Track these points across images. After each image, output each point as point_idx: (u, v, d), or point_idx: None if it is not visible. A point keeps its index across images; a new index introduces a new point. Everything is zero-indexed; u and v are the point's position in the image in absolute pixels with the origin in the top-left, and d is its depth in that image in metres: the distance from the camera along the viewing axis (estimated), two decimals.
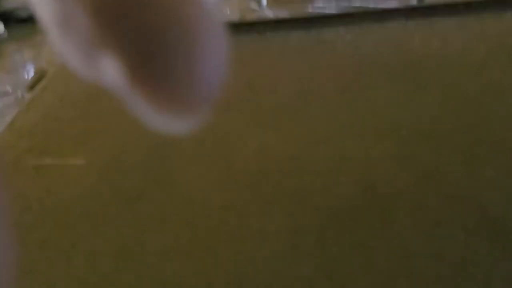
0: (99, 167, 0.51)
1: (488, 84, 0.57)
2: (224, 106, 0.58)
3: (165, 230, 0.45)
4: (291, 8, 2.71)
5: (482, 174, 0.46)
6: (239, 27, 0.71)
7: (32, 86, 0.72)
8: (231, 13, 2.96)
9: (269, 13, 2.64)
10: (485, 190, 0.45)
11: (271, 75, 0.62)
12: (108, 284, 0.42)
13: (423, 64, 0.61)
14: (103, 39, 0.14)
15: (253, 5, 2.75)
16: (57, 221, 0.47)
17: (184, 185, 0.50)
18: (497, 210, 0.42)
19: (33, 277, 0.42)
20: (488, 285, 0.37)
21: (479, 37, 0.65)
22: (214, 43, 0.14)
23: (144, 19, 0.14)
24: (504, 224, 0.41)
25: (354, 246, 0.41)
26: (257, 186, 0.48)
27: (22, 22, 1.35)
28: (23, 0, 1.14)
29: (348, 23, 0.69)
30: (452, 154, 0.48)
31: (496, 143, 0.48)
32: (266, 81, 0.61)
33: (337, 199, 0.46)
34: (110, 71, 0.14)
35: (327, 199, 0.45)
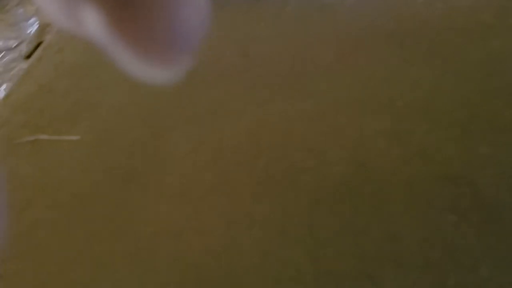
0: (92, 143, 0.51)
1: (491, 53, 0.55)
2: (217, 77, 0.57)
3: (157, 211, 0.45)
4: None
5: (476, 152, 0.45)
6: None
7: (29, 53, 0.70)
8: None
9: None
10: (478, 169, 0.44)
11: (267, 44, 0.60)
12: (101, 265, 0.42)
13: (424, 31, 0.59)
14: None
15: None
16: (50, 201, 0.47)
17: (176, 161, 0.50)
18: (489, 191, 0.42)
19: (26, 257, 0.43)
20: (476, 271, 0.37)
21: (483, 1, 0.62)
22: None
23: None
24: (496, 207, 0.41)
25: (342, 229, 0.41)
26: (248, 165, 0.47)
27: None
28: None
29: None
30: (447, 130, 0.47)
31: (492, 120, 0.47)
32: (261, 50, 0.60)
33: (328, 179, 0.45)
34: (90, 19, 0.14)
35: (318, 178, 0.45)
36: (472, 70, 0.53)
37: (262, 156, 0.48)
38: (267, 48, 0.60)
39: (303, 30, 0.62)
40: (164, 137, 0.52)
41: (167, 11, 0.14)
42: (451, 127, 0.48)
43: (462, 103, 0.49)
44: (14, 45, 2.12)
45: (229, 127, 0.51)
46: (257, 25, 0.63)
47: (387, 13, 0.63)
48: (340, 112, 0.51)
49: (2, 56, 2.02)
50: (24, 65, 0.66)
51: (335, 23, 0.62)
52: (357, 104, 0.51)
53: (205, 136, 0.51)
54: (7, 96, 0.60)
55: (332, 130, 0.49)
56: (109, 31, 0.14)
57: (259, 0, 0.67)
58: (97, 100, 0.57)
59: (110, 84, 0.58)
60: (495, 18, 0.60)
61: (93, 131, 0.53)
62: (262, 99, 0.53)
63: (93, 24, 0.14)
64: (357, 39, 0.59)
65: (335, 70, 0.55)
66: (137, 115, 0.54)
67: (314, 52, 0.58)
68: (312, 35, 0.61)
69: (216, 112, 0.53)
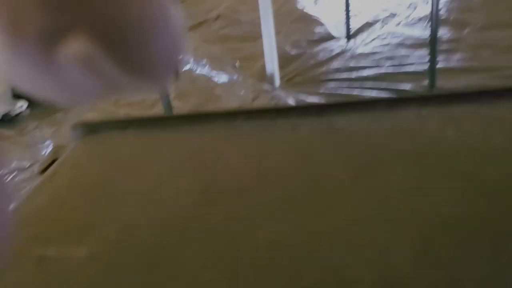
0: (101, 259, 0.49)
1: (509, 173, 0.55)
2: (234, 193, 0.57)
3: None
4: (303, 89, 2.71)
5: (509, 273, 0.43)
6: (251, 114, 0.70)
7: (43, 169, 0.71)
8: (245, 94, 2.97)
9: (282, 94, 2.66)
10: None
11: (281, 160, 0.61)
12: None
13: (438, 152, 0.59)
14: (73, 27, 0.16)
15: (266, 87, 2.79)
16: None
17: (191, 276, 0.47)
18: None
19: None
20: None
21: (494, 125, 0.64)
22: (170, 26, 0.17)
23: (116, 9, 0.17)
24: None
25: None
26: (267, 282, 0.45)
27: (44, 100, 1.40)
28: None
29: (360, 111, 0.69)
30: (474, 249, 0.45)
31: None
32: (275, 166, 0.60)
33: None
34: (77, 51, 0.16)
35: None
36: (491, 189, 0.52)
37: (281, 272, 0.46)
38: (280, 163, 0.60)
39: (316, 149, 0.62)
40: (177, 251, 0.50)
41: (152, 40, 0.17)
42: (479, 246, 0.46)
43: (487, 219, 0.48)
44: (27, 165, 2.16)
45: (245, 242, 0.50)
46: (272, 142, 0.64)
47: (399, 136, 0.64)
48: (359, 227, 0.49)
49: (13, 176, 2.04)
50: (37, 180, 0.67)
51: (348, 143, 0.63)
52: (376, 221, 0.50)
53: (221, 251, 0.49)
54: (18, 210, 0.59)
55: (351, 246, 0.47)
56: (101, 58, 0.16)
57: (273, 123, 0.69)
58: (108, 215, 0.56)
59: (123, 200, 0.58)
60: (507, 141, 0.61)
61: (102, 246, 0.51)
62: (278, 215, 0.52)
63: (80, 55, 0.16)
64: (371, 158, 0.59)
65: (351, 187, 0.55)
66: (149, 231, 0.52)
67: (328, 170, 0.58)
68: (325, 153, 0.62)
69: (232, 225, 0.51)
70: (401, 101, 0.68)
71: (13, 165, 2.16)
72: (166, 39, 0.18)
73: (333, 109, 0.68)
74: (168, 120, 0.73)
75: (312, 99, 2.32)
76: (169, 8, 0.18)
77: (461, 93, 0.66)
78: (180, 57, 0.19)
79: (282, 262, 0.47)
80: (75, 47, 0.16)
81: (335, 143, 0.63)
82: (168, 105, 2.00)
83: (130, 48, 0.17)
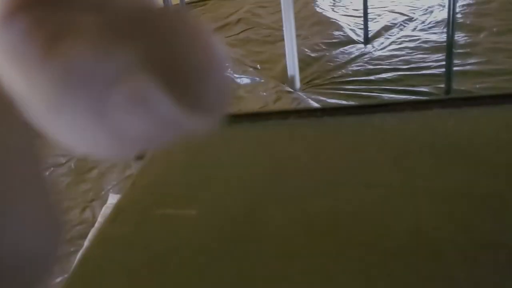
0: (207, 217, 0.65)
1: None
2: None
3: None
4: (323, 91, 2.79)
5: None
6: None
7: (140, 156, 0.86)
8: (267, 95, 3.06)
9: (303, 96, 2.76)
10: None
11: (333, 152, 0.77)
12: None
13: (455, 144, 0.75)
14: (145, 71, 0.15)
15: (287, 88, 2.89)
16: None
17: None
18: None
19: None
20: None
21: (503, 122, 0.79)
22: (221, 65, 0.18)
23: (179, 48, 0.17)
24: None
25: None
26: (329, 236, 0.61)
27: None
28: None
29: (391, 111, 0.85)
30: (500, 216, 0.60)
31: None
32: (328, 155, 0.77)
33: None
34: (135, 88, 0.15)
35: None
36: (503, 171, 0.67)
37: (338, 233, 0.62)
38: (331, 153, 0.76)
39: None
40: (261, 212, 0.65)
41: (208, 81, 0.17)
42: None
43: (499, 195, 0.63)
44: (64, 161, 2.32)
45: (311, 209, 0.65)
46: (322, 136, 0.81)
47: (424, 131, 0.80)
48: (399, 199, 0.65)
49: (51, 171, 2.20)
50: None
51: (384, 138, 0.79)
52: (411, 193, 0.66)
53: (294, 215, 0.65)
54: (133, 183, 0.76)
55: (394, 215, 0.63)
56: (168, 100, 0.16)
57: (321, 120, 0.85)
58: (208, 185, 0.73)
59: (220, 162, 0.75)
60: None
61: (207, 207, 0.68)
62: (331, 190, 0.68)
63: (161, 106, 0.16)
64: (404, 148, 0.75)
65: (386, 170, 0.71)
66: (239, 198, 0.69)
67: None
68: (367, 144, 0.78)
69: (299, 196, 0.68)
70: (425, 103, 0.84)
71: (50, 161, 2.31)
72: (219, 75, 0.18)
73: (370, 109, 0.84)
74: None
75: (333, 101, 2.44)
76: (220, 46, 0.18)
77: (476, 96, 0.82)
78: (230, 94, 0.19)
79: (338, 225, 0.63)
80: (132, 86, 0.15)
81: (374, 137, 0.80)
82: None
83: (189, 84, 0.17)
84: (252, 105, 2.59)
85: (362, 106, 0.84)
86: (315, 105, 2.45)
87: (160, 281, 0.55)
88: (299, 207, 0.63)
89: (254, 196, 0.66)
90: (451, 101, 0.83)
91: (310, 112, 0.85)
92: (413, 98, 1.56)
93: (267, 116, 0.87)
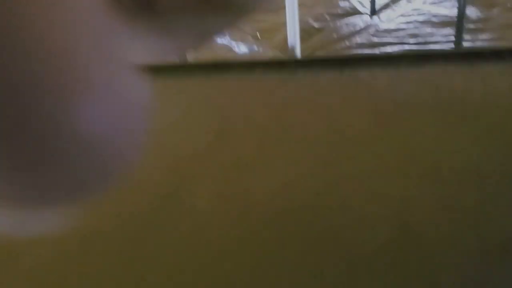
0: None
1: None
2: (252, 137, 0.55)
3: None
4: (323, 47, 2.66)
5: None
6: (271, 66, 0.69)
7: None
8: (266, 50, 2.94)
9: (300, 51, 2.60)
10: None
11: (301, 110, 0.59)
12: None
13: (464, 107, 0.57)
14: None
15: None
16: None
17: (202, 215, 0.46)
18: None
19: None
20: None
21: None
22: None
23: None
24: None
25: None
26: (278, 223, 0.44)
27: None
28: None
29: (384, 65, 0.67)
30: (499, 198, 0.44)
31: None
32: (295, 115, 0.59)
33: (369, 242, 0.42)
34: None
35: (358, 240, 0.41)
36: None
37: (294, 215, 0.45)
38: (300, 113, 0.59)
39: (338, 101, 0.61)
40: (191, 199, 0.49)
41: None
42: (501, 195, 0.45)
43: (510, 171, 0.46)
44: None
45: (260, 185, 0.48)
46: (292, 92, 0.63)
47: (423, 91, 0.62)
48: (381, 176, 0.48)
49: None
50: None
51: (370, 95, 0.61)
52: (398, 168, 0.49)
53: (235, 194, 0.48)
54: None
55: (373, 192, 0.46)
56: None
57: (294, 74, 0.67)
58: None
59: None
60: None
61: None
62: (293, 158, 0.51)
63: None
64: (395, 110, 0.57)
65: (373, 136, 0.53)
66: (161, 169, 0.52)
67: (351, 118, 0.57)
68: (348, 105, 0.60)
69: (246, 168, 0.50)
70: (427, 56, 0.66)
71: None
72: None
73: (356, 62, 0.66)
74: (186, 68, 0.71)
75: None
76: None
77: (491, 49, 0.64)
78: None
79: (294, 205, 0.46)
80: None
81: (359, 97, 0.62)
82: None
83: None
84: None
85: (345, 58, 0.66)
86: None
87: None
88: (238, 187, 0.46)
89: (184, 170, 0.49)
90: (459, 55, 0.64)
91: (280, 64, 0.67)
92: (411, 50, 1.37)
93: (228, 66, 0.68)
